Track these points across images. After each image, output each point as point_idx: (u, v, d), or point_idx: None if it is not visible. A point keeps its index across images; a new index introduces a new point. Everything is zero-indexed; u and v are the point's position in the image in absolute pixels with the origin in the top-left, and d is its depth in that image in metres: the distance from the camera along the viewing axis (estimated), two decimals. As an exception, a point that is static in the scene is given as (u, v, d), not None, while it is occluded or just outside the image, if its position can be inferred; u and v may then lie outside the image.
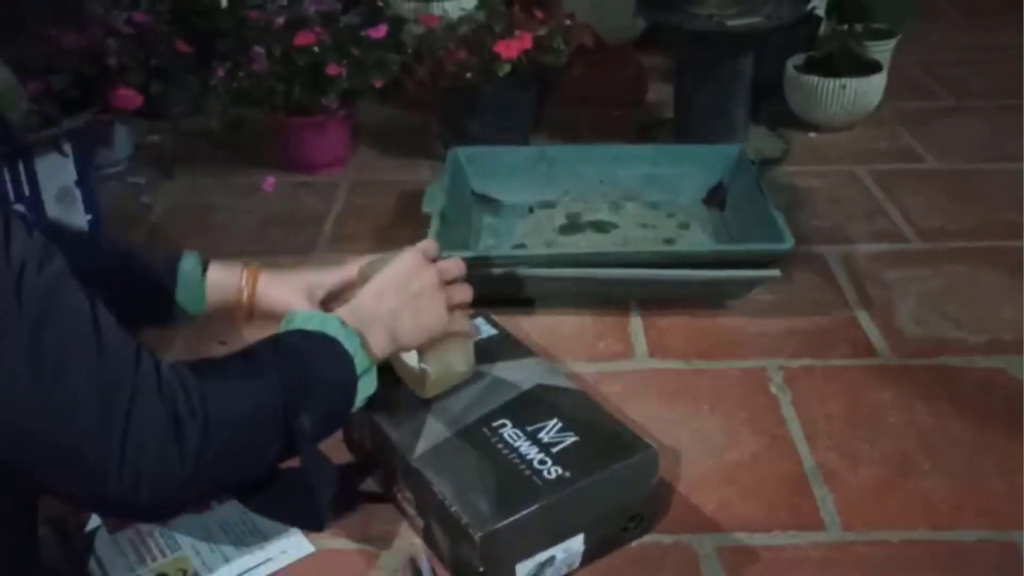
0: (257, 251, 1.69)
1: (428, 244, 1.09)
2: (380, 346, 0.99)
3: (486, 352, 1.17)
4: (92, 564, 1.05)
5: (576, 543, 1.01)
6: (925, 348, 1.39)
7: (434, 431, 1.06)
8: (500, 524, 0.95)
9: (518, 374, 1.15)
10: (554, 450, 1.03)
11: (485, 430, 1.06)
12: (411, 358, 1.11)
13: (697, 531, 1.08)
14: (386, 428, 1.07)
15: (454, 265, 1.08)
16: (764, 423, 1.25)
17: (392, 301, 1.01)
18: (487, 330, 1.25)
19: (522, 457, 1.02)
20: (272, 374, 0.88)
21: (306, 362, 0.91)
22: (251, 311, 1.12)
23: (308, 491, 0.93)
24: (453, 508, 0.96)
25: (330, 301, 1.14)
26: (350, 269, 1.14)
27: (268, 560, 1.05)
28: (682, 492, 1.13)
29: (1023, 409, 1.25)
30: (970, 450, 1.19)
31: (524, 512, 0.96)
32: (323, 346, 0.93)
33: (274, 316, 1.07)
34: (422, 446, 1.04)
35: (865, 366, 1.35)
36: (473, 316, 1.23)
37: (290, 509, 0.99)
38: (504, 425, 1.06)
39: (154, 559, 1.05)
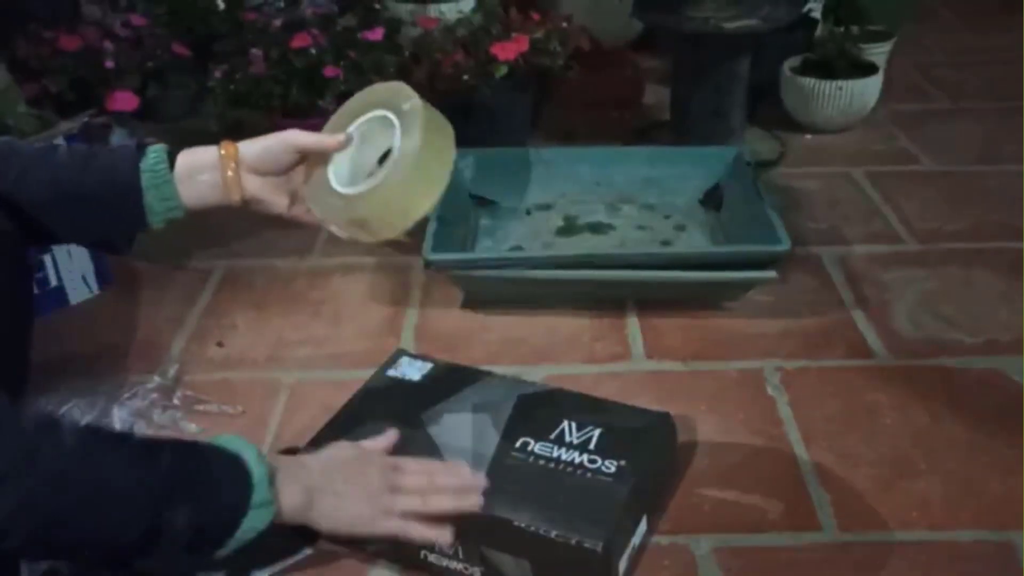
0: (254, 252, 1.70)
1: (389, 438, 1.04)
2: (290, 502, 0.91)
3: (438, 387, 1.15)
4: (90, 566, 1.05)
5: (643, 525, 1.04)
6: (922, 349, 1.39)
7: None
8: (608, 529, 0.95)
9: (491, 395, 1.13)
10: (591, 447, 1.04)
11: (516, 455, 1.04)
12: (345, 174, 1.03)
13: (694, 532, 1.08)
14: None
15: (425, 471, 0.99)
16: (761, 424, 1.25)
17: (331, 475, 0.95)
18: (420, 366, 1.20)
19: (569, 464, 1.02)
20: (166, 460, 0.84)
21: (205, 469, 0.87)
22: (239, 181, 1.02)
23: None
24: (554, 534, 0.94)
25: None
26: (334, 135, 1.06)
27: (266, 562, 1.05)
28: (679, 493, 1.14)
29: (1020, 410, 1.25)
30: (967, 451, 1.19)
31: (617, 510, 0.97)
32: (230, 465, 0.88)
33: (271, 165, 1.03)
34: None
35: (862, 367, 1.36)
36: (395, 355, 1.22)
37: None
38: (528, 443, 1.06)
39: (152, 561, 1.05)
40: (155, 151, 1.01)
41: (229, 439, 0.91)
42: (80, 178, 0.99)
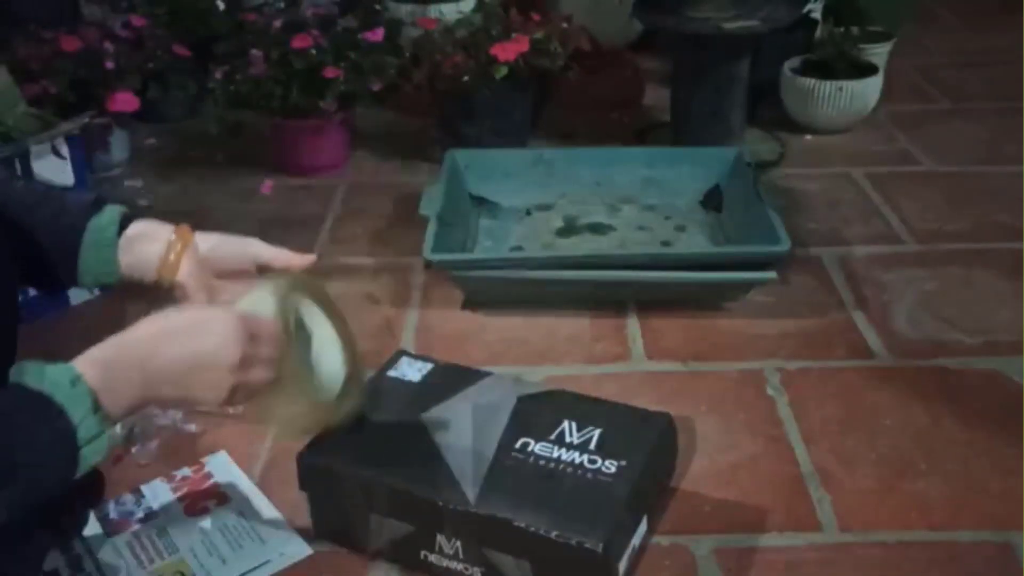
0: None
1: (263, 323, 0.87)
2: (126, 405, 0.80)
3: (438, 387, 1.15)
4: (90, 566, 1.05)
5: (643, 526, 1.04)
6: (921, 350, 1.39)
7: (468, 474, 1.01)
8: (609, 529, 0.95)
9: (491, 396, 1.13)
10: (591, 447, 1.04)
11: (516, 455, 1.04)
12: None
13: (694, 532, 1.08)
14: (408, 487, 1.01)
15: (268, 336, 0.87)
16: (761, 425, 1.25)
17: (171, 360, 0.81)
18: (420, 367, 1.20)
19: (570, 464, 1.02)
20: None
21: (7, 442, 0.74)
22: (177, 265, 0.95)
23: None
24: (555, 534, 0.94)
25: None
26: (298, 256, 1.02)
27: (266, 562, 1.05)
28: (679, 494, 1.14)
29: (1020, 410, 1.25)
30: (966, 451, 1.19)
31: (618, 510, 0.97)
32: (36, 416, 0.75)
33: (217, 265, 0.98)
34: (471, 491, 0.99)
35: (862, 368, 1.36)
36: (395, 355, 1.21)
37: None
38: (528, 443, 1.05)
39: (152, 561, 1.06)
40: (111, 211, 0.97)
41: (38, 371, 0.77)
42: (27, 216, 0.94)
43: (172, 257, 0.96)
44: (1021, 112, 2.10)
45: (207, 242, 0.99)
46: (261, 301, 0.90)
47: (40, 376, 0.76)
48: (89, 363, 0.78)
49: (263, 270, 1.00)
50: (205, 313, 0.86)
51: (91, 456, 0.78)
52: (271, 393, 0.88)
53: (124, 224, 0.97)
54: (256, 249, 1.00)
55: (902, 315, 1.47)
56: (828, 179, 1.91)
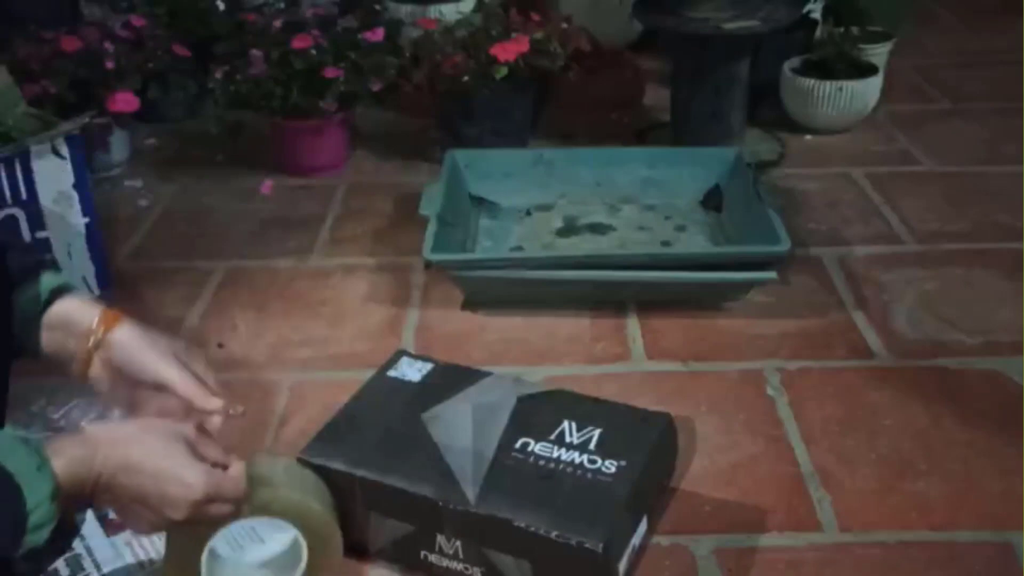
0: (255, 253, 1.70)
1: (229, 493, 0.88)
2: (76, 499, 0.80)
3: (438, 387, 1.15)
4: (90, 566, 1.05)
5: (643, 526, 1.04)
6: (922, 350, 1.39)
7: (468, 474, 1.02)
8: (608, 529, 0.95)
9: (491, 396, 1.13)
10: (591, 447, 1.04)
11: (516, 455, 1.04)
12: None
13: (694, 532, 1.08)
14: (408, 487, 1.01)
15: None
16: (761, 425, 1.25)
17: (134, 483, 0.80)
18: (420, 367, 1.19)
19: (569, 464, 1.02)
20: None
21: None
22: (89, 361, 0.91)
23: None
24: (555, 534, 0.94)
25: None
26: (213, 399, 0.96)
27: (266, 562, 1.05)
28: (679, 494, 1.14)
29: (1020, 410, 1.25)
30: (966, 451, 1.19)
31: (618, 510, 0.97)
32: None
33: (126, 374, 0.91)
34: (471, 491, 0.99)
35: (862, 368, 1.36)
36: (395, 355, 1.21)
37: None
38: (528, 444, 1.05)
39: (152, 561, 1.05)
40: (42, 284, 0.92)
41: (9, 444, 0.76)
42: None
43: (89, 347, 0.91)
44: (1021, 112, 2.10)
45: (128, 338, 0.92)
46: (262, 479, 0.92)
47: (8, 452, 0.75)
48: (56, 452, 0.77)
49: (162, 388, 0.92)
50: (186, 461, 0.84)
51: (34, 541, 0.76)
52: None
53: (53, 299, 0.92)
54: (164, 371, 0.91)
55: (902, 315, 1.47)
56: (828, 179, 1.91)
